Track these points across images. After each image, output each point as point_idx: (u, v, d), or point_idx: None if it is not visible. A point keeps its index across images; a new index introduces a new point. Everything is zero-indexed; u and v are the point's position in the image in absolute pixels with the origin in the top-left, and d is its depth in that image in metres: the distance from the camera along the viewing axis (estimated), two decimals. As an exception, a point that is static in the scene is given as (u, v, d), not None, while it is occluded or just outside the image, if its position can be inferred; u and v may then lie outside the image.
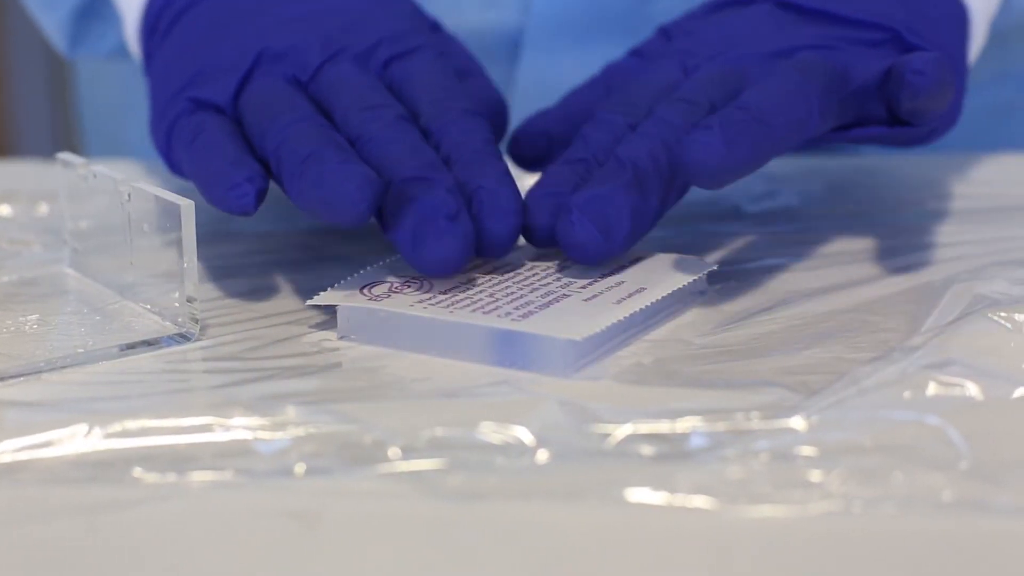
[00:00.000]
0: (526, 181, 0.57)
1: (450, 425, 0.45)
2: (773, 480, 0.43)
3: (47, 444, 0.45)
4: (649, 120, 0.56)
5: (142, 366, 0.51)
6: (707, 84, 0.58)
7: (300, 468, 0.44)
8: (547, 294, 0.52)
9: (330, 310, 0.53)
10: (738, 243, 0.62)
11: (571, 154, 0.57)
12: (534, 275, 0.54)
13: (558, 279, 0.54)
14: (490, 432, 0.45)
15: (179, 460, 0.44)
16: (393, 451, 0.44)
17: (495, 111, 0.59)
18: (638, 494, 0.42)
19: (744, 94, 0.55)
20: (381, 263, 0.55)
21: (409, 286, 0.53)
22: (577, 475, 0.43)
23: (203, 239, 0.52)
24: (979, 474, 0.43)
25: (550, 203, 0.55)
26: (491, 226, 0.53)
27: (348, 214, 0.51)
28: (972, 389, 0.47)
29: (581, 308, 0.51)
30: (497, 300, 0.52)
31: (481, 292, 0.52)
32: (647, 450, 0.45)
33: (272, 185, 0.55)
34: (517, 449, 0.45)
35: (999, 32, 0.72)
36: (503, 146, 0.60)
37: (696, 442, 0.45)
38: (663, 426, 0.45)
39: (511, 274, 0.54)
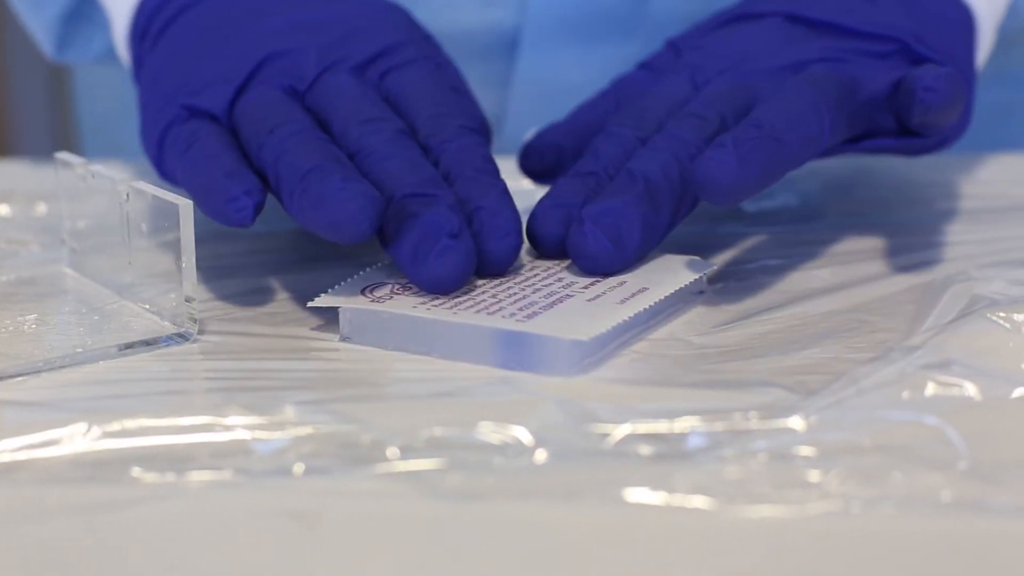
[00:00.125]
0: (536, 192, 0.57)
1: (449, 425, 0.45)
2: (772, 480, 0.43)
3: (45, 444, 0.45)
4: (660, 134, 0.57)
5: (141, 366, 0.51)
6: (717, 99, 0.58)
7: (299, 468, 0.44)
8: (550, 295, 0.52)
9: (330, 311, 0.53)
10: (738, 243, 0.62)
11: (581, 167, 0.57)
12: (535, 275, 0.54)
13: (560, 279, 0.54)
14: (489, 432, 0.45)
15: (178, 460, 0.44)
16: (392, 451, 0.44)
17: (485, 129, 0.59)
18: (636, 494, 0.42)
19: (756, 111, 0.55)
20: (381, 264, 0.55)
21: (410, 287, 0.53)
22: (575, 475, 0.43)
23: (201, 239, 0.52)
24: (978, 474, 0.43)
25: (560, 214, 0.55)
26: (491, 246, 0.53)
27: (350, 233, 0.51)
28: (971, 389, 0.47)
29: (585, 308, 0.51)
30: (500, 301, 0.52)
31: (484, 293, 0.52)
32: (645, 450, 0.44)
33: None
34: (515, 449, 0.45)
35: (1000, 33, 0.72)
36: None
37: (695, 442, 0.45)
38: (661, 426, 0.45)
39: (512, 275, 0.54)
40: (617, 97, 0.62)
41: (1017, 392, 0.47)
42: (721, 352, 0.51)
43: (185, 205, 0.51)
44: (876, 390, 0.47)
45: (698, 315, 0.54)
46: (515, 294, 0.52)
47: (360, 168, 0.54)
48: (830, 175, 0.70)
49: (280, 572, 0.40)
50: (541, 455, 0.44)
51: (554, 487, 0.43)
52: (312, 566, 0.40)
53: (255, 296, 0.57)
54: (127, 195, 0.54)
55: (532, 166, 0.61)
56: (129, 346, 0.52)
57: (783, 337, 0.52)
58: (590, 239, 0.53)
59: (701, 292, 0.56)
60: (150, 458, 0.44)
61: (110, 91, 0.88)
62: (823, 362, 0.50)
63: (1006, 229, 0.63)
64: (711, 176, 0.52)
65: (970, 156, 0.72)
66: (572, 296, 0.52)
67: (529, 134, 0.62)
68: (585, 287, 0.53)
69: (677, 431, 0.45)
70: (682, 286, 0.54)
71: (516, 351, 0.50)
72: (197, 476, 0.44)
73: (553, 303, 0.52)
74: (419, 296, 0.52)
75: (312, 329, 0.53)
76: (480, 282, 0.53)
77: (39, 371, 0.50)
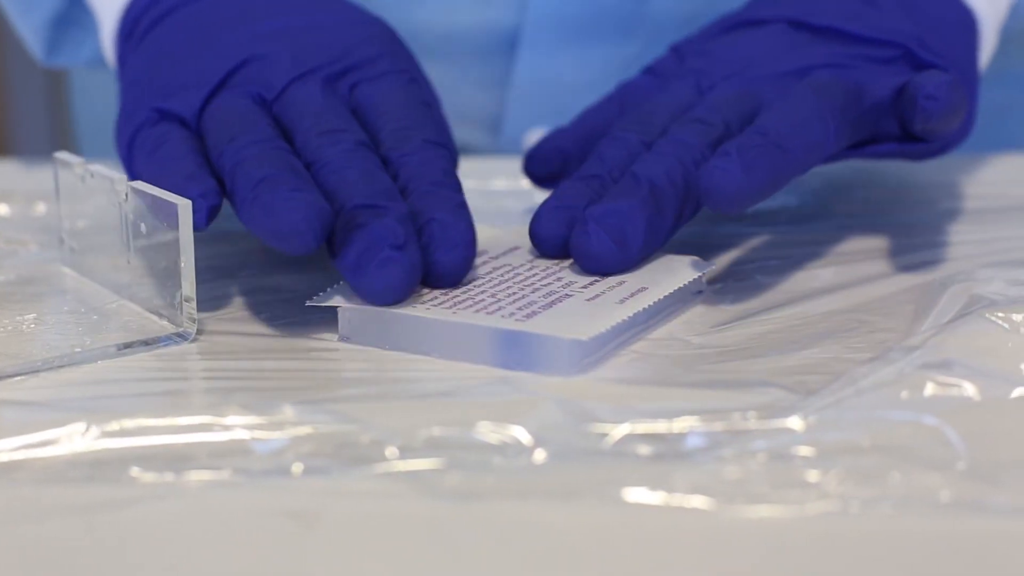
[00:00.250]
0: (536, 192, 0.57)
1: (447, 425, 0.45)
2: (770, 480, 0.43)
3: (44, 443, 0.45)
4: (664, 139, 0.57)
5: (139, 365, 0.51)
6: (722, 104, 0.58)
7: (297, 468, 0.44)
8: (549, 294, 0.52)
9: (329, 311, 0.53)
10: (737, 243, 0.62)
11: (585, 170, 0.57)
12: (534, 275, 0.54)
13: (559, 279, 0.54)
14: (487, 432, 0.45)
15: (176, 459, 0.44)
16: (390, 451, 0.44)
17: (451, 144, 0.59)
18: (635, 494, 0.42)
19: (761, 117, 0.55)
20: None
21: (409, 287, 0.53)
22: (574, 475, 0.43)
23: (200, 238, 0.52)
24: (976, 474, 0.43)
25: (563, 215, 0.55)
26: (440, 257, 0.52)
27: (295, 244, 0.50)
28: (970, 389, 0.47)
29: (584, 308, 0.51)
30: (500, 300, 0.52)
31: (483, 292, 0.52)
32: (644, 450, 0.44)
33: None
34: (514, 449, 0.45)
35: (1001, 33, 0.72)
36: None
37: (693, 442, 0.45)
38: (660, 426, 0.45)
39: (511, 274, 0.54)
40: (622, 102, 0.62)
41: (1016, 392, 0.47)
42: (720, 352, 0.51)
43: (184, 205, 0.51)
44: (875, 390, 0.47)
45: (697, 315, 0.54)
46: (514, 293, 0.52)
47: (316, 178, 0.54)
48: (830, 175, 0.70)
49: (279, 572, 0.40)
50: (540, 455, 0.44)
51: (553, 487, 0.43)
52: (311, 566, 0.40)
53: (254, 296, 0.57)
54: (126, 195, 0.54)
55: (537, 171, 0.61)
56: (128, 346, 0.52)
57: (782, 337, 0.52)
58: (593, 240, 0.53)
59: (700, 292, 0.56)
60: (149, 458, 0.44)
61: (108, 91, 0.88)
62: (822, 362, 0.50)
63: (1006, 229, 0.63)
64: (716, 184, 0.52)
65: (970, 156, 0.72)
66: (571, 296, 0.52)
67: (529, 135, 0.62)
68: (584, 287, 0.53)
69: (676, 431, 0.45)
70: (681, 286, 0.54)
71: (515, 351, 0.50)
72: (196, 476, 0.44)
73: (552, 303, 0.52)
74: (418, 296, 0.52)
75: (312, 329, 0.53)
76: (479, 281, 0.53)
77: (38, 371, 0.50)
